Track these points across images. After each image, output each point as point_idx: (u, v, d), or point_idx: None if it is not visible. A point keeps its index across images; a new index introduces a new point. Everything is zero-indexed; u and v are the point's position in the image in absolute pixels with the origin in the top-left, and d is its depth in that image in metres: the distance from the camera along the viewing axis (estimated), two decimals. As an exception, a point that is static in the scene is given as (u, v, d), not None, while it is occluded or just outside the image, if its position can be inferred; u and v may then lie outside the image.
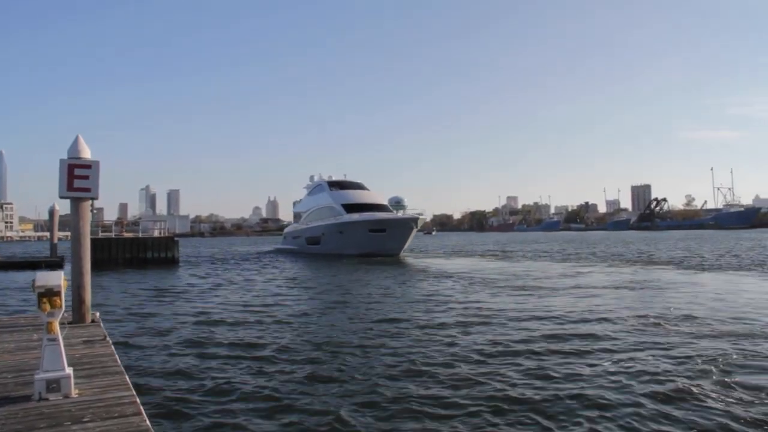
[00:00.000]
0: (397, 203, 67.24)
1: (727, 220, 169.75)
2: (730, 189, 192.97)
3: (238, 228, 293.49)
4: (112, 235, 42.86)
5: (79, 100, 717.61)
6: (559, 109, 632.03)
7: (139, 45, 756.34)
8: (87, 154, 8.56)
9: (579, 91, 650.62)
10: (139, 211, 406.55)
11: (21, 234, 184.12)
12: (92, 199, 8.68)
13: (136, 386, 5.61)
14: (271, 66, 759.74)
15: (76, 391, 4.86)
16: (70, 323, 8.09)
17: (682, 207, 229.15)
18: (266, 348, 11.17)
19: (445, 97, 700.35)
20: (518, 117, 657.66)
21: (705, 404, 7.27)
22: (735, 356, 9.66)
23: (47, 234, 76.55)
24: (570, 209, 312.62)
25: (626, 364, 9.29)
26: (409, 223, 47.12)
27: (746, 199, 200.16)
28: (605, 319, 13.74)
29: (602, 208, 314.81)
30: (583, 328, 12.66)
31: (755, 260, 34.33)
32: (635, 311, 14.95)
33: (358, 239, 46.39)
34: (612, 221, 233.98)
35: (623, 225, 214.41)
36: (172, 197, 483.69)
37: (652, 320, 13.45)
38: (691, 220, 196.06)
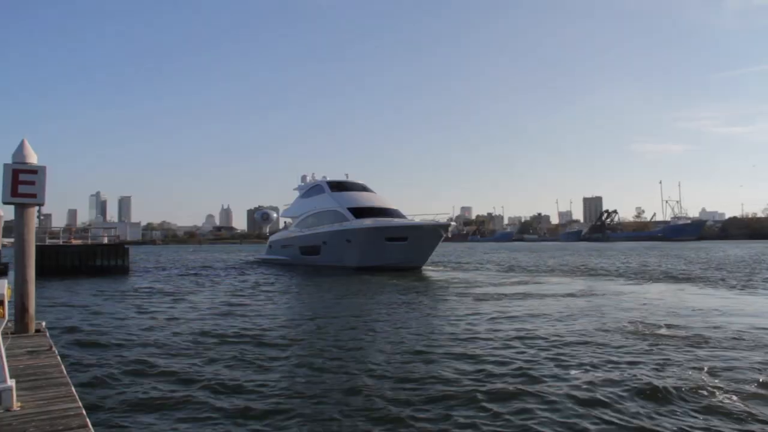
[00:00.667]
0: None
1: (675, 232, 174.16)
2: (678, 202, 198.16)
3: (191, 236, 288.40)
4: (60, 242, 41.71)
5: (26, 102, 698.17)
6: (513, 122, 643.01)
7: (90, 47, 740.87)
8: (33, 159, 8.33)
9: (533, 105, 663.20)
10: (89, 217, 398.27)
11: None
12: (38, 205, 8.43)
13: (83, 398, 5.45)
14: (222, 72, 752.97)
15: (19, 404, 4.69)
16: (13, 333, 7.83)
17: (632, 219, 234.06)
18: (220, 361, 11.00)
19: (401, 110, 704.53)
20: (473, 129, 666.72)
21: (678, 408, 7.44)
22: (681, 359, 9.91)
23: (-9, 240, 73.94)
24: (523, 220, 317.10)
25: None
26: (437, 231, 39.23)
27: (693, 212, 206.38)
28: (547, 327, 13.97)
29: (555, 220, 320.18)
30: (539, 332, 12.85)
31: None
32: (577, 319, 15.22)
33: (371, 249, 38.61)
34: (564, 232, 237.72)
35: (575, 236, 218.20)
36: (124, 204, 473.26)
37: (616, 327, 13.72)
38: (641, 232, 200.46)
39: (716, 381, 8.83)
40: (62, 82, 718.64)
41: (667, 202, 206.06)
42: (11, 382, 4.67)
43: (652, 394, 8.19)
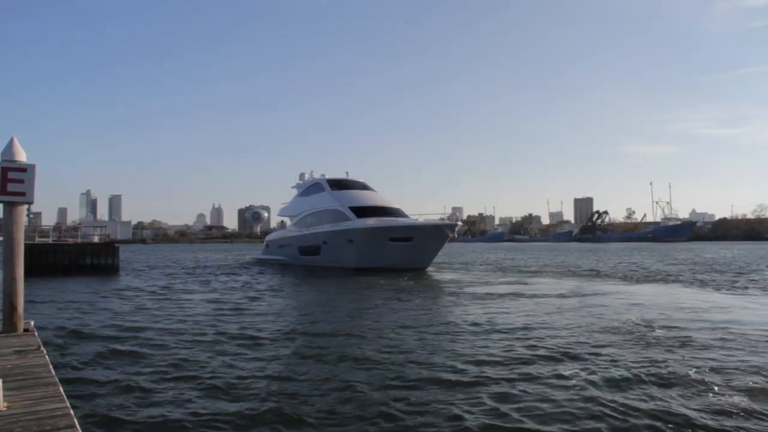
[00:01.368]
0: None
1: (665, 233, 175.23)
2: (668, 203, 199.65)
3: (182, 235, 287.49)
4: (50, 240, 41.48)
5: (15, 101, 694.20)
6: (505, 123, 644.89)
7: (82, 46, 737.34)
8: (22, 157, 8.27)
9: (525, 106, 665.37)
10: (80, 216, 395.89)
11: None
12: (27, 203, 8.38)
13: (72, 398, 5.42)
14: (214, 72, 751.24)
15: (5, 404, 4.65)
16: (1, 332, 7.78)
17: (622, 220, 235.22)
18: (212, 361, 10.97)
19: (390, 110, 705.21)
20: (465, 130, 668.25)
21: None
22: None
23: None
24: (514, 221, 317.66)
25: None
26: (443, 231, 37.68)
27: (683, 213, 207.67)
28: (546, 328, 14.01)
29: (546, 220, 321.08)
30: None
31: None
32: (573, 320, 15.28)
33: (372, 249, 37.43)
34: (555, 233, 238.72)
35: (565, 237, 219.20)
36: (114, 203, 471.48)
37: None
38: (631, 232, 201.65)
39: (712, 380, 8.89)
40: (52, 80, 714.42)
41: (657, 203, 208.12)
42: (-2, 382, 4.63)
43: (648, 393, 8.24)
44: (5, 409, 4.58)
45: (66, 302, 20.57)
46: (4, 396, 4.67)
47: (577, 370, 9.71)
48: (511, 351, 11.46)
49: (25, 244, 8.61)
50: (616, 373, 9.51)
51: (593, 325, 14.67)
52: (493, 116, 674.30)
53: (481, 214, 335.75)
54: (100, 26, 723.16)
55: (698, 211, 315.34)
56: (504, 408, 7.73)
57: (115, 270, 39.50)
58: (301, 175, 53.47)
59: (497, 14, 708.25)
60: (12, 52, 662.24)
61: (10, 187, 8.10)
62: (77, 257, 38.59)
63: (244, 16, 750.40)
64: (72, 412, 4.58)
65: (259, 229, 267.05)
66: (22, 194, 8.20)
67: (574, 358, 10.79)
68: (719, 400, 7.99)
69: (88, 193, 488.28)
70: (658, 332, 13.47)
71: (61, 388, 5.26)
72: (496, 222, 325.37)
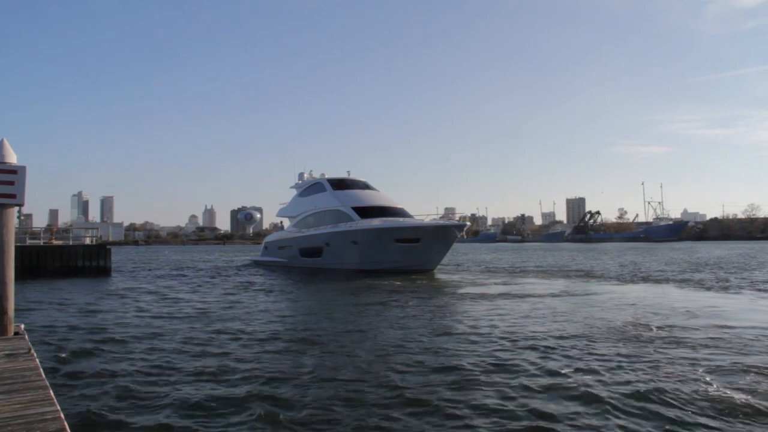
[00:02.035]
0: None
1: (657, 232, 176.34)
2: (659, 203, 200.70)
3: (174, 236, 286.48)
4: (41, 242, 41.24)
5: (5, 101, 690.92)
6: (497, 124, 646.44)
7: (74, 46, 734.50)
8: (12, 158, 8.21)
9: (517, 106, 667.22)
10: (71, 218, 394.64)
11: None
12: (18, 205, 8.32)
13: (62, 402, 5.38)
14: (206, 73, 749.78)
15: (-5, 408, 4.61)
16: (-9, 336, 7.71)
17: (615, 220, 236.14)
18: (204, 363, 10.92)
19: (382, 112, 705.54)
20: (457, 130, 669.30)
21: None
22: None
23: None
24: (507, 221, 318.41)
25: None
26: (452, 231, 36.38)
27: (675, 213, 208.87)
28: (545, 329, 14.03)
29: (538, 221, 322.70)
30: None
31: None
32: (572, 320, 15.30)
33: (379, 251, 36.22)
34: (547, 233, 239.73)
35: (558, 237, 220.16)
36: (106, 204, 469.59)
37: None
38: (624, 232, 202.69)
39: (707, 379, 8.91)
40: (44, 81, 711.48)
41: (649, 203, 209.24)
42: (-13, 386, 4.59)
43: (644, 393, 8.25)
44: (-6, 413, 4.55)
45: (57, 305, 20.43)
46: (-7, 400, 4.64)
47: (571, 370, 9.72)
48: (508, 351, 11.48)
49: (16, 246, 8.55)
50: (616, 372, 9.53)
51: (589, 325, 14.70)
52: (486, 117, 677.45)
53: (473, 215, 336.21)
54: (92, 26, 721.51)
55: (690, 211, 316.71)
56: (504, 408, 7.73)
57: (108, 272, 39.28)
58: (301, 175, 52.00)
59: (489, 16, 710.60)
60: (1, 53, 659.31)
61: (0, 189, 8.04)
62: (69, 259, 38.33)
63: (237, 16, 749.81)
64: (62, 415, 4.54)
65: (251, 231, 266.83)
66: (13, 196, 8.14)
67: (569, 357, 10.81)
68: (716, 399, 8.01)
69: (79, 194, 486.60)
70: (653, 332, 13.52)
71: (51, 392, 5.22)
72: (489, 222, 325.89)
